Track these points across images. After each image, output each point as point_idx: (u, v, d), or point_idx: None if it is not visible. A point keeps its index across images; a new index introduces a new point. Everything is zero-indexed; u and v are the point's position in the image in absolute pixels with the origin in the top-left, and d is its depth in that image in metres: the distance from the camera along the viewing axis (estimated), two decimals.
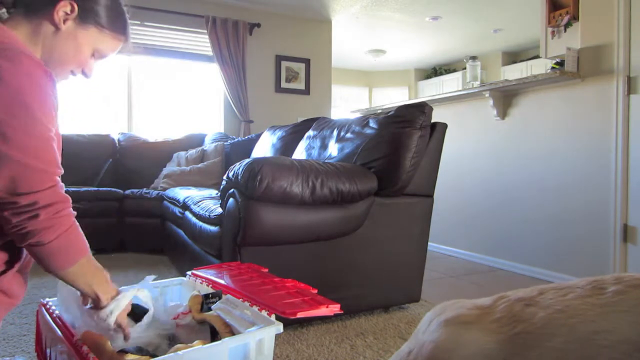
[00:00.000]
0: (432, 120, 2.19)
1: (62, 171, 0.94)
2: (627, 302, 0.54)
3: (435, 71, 8.39)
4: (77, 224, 0.96)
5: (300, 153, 2.71)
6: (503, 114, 3.27)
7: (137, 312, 1.14)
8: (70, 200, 0.94)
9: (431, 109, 2.15)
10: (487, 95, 3.24)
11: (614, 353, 0.52)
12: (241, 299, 1.19)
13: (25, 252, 0.99)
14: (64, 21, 1.01)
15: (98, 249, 3.37)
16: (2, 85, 0.83)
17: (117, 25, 1.10)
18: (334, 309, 1.04)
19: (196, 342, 1.04)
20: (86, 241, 0.99)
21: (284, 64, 5.29)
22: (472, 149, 3.55)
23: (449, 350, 0.59)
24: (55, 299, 1.18)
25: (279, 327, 1.06)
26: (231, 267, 1.55)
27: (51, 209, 0.88)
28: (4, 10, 1.01)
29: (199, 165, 3.99)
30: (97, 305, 1.03)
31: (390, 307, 2.23)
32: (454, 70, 8.05)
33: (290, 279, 1.30)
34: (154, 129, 4.83)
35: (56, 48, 1.03)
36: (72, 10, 1.01)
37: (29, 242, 0.88)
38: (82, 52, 1.07)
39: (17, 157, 0.84)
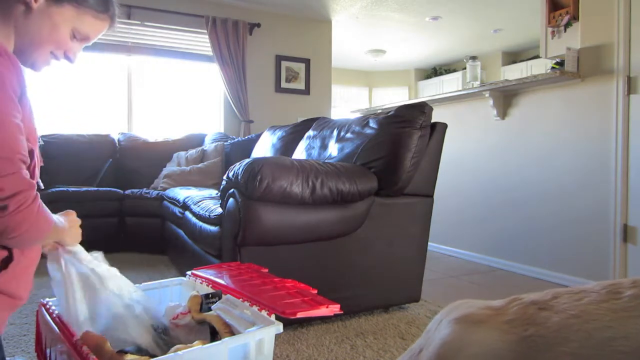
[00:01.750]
0: (432, 120, 2.19)
1: (27, 159, 0.89)
2: None
3: (435, 71, 8.39)
4: (41, 203, 0.90)
5: (300, 153, 2.71)
6: (503, 114, 3.27)
7: None
8: (35, 185, 0.89)
9: (431, 109, 2.15)
10: (487, 95, 3.23)
11: (630, 359, 0.51)
12: (241, 299, 1.19)
13: (24, 252, 0.98)
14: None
15: (98, 249, 3.37)
16: None
17: (97, 2, 1.02)
18: (334, 309, 1.04)
19: (196, 342, 1.04)
20: (50, 214, 0.95)
21: (284, 64, 5.29)
22: (472, 149, 3.55)
23: (457, 349, 0.58)
24: (55, 299, 1.18)
25: (279, 327, 1.06)
26: (231, 267, 1.55)
27: (18, 198, 0.84)
28: None
29: (199, 165, 3.99)
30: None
31: (390, 307, 2.23)
32: (454, 70, 8.05)
33: (290, 279, 1.30)
34: (154, 129, 4.82)
35: (29, 29, 0.96)
36: None
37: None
38: (59, 32, 0.99)
39: None
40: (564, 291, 0.60)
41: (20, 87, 0.89)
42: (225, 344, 0.99)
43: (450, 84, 7.84)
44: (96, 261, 1.15)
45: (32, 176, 0.93)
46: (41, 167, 1.08)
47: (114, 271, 1.17)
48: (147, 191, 3.69)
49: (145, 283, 1.45)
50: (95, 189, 3.57)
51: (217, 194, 2.72)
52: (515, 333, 0.56)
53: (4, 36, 0.95)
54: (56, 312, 1.12)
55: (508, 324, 0.57)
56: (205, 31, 4.76)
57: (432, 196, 2.28)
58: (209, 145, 4.23)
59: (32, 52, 0.99)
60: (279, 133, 3.21)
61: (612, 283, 0.58)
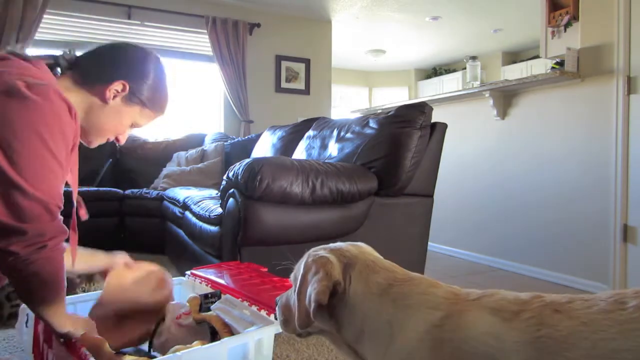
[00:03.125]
0: (432, 120, 2.19)
1: (62, 206, 0.95)
2: None
3: (435, 71, 8.39)
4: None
5: (300, 153, 2.71)
6: (503, 114, 3.27)
7: None
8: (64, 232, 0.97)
9: (431, 109, 2.15)
10: (487, 95, 3.23)
11: None
12: (240, 299, 1.19)
13: None
14: (114, 97, 1.07)
15: (98, 249, 3.37)
16: (23, 114, 0.85)
17: (159, 105, 1.20)
18: None
19: (195, 342, 1.04)
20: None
21: (284, 64, 5.29)
22: (472, 149, 3.55)
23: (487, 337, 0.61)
24: None
25: (279, 327, 1.06)
26: (231, 267, 1.55)
27: (56, 241, 0.92)
28: (58, 69, 1.07)
29: (199, 165, 3.99)
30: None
31: None
32: (454, 70, 8.05)
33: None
34: (153, 129, 4.82)
35: (100, 119, 1.09)
36: (123, 90, 1.08)
37: (27, 272, 0.89)
38: (123, 125, 1.14)
39: (21, 184, 0.85)
40: (578, 297, 0.62)
41: (72, 141, 0.97)
42: (225, 344, 0.99)
43: (450, 84, 7.83)
44: None
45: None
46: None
47: None
48: (147, 191, 3.69)
49: None
50: (95, 189, 3.57)
51: (217, 194, 2.72)
52: (529, 333, 0.58)
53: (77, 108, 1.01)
54: None
55: (525, 322, 0.59)
56: (205, 31, 4.75)
57: (432, 196, 2.28)
58: (209, 145, 4.23)
59: (95, 135, 1.12)
60: (279, 133, 3.21)
61: (618, 292, 0.60)
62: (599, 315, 0.57)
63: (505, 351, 0.58)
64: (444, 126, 2.26)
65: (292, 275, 0.80)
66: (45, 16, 4.02)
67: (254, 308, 1.13)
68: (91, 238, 1.41)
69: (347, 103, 8.54)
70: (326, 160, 2.26)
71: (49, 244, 0.89)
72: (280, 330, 1.06)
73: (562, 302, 0.61)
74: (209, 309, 1.22)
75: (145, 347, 1.27)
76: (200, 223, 2.27)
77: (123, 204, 3.60)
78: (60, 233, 0.93)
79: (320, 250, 0.76)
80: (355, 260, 0.75)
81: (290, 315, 0.78)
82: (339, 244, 0.81)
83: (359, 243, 0.85)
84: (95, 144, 1.15)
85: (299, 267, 0.76)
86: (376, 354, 0.69)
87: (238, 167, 1.87)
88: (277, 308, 0.85)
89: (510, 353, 0.58)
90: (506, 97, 3.25)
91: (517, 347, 0.58)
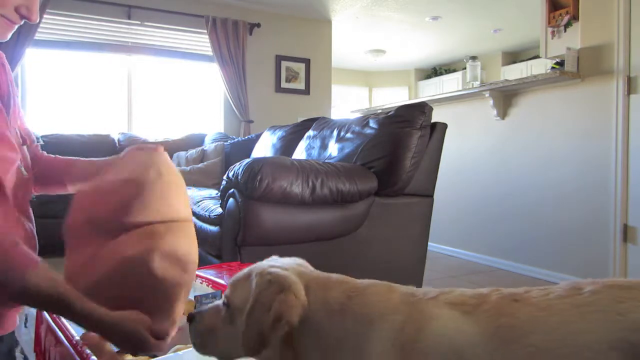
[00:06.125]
0: (432, 120, 2.19)
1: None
2: (602, 302, 0.56)
3: (435, 71, 8.39)
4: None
5: (300, 153, 2.71)
6: (503, 114, 3.27)
7: None
8: None
9: (431, 109, 2.15)
10: (487, 95, 3.23)
11: (588, 352, 0.54)
12: None
13: None
14: None
15: None
16: None
17: None
18: None
19: None
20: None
21: (284, 64, 5.29)
22: (472, 149, 3.55)
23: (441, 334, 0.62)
24: None
25: None
26: (231, 267, 1.55)
27: None
28: None
29: (199, 165, 3.99)
30: None
31: None
32: (454, 70, 8.05)
33: None
34: (154, 129, 4.82)
35: None
36: None
37: None
38: None
39: None
40: (536, 288, 0.64)
41: None
42: None
43: (450, 84, 7.83)
44: None
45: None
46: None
47: None
48: None
49: None
50: None
51: (217, 194, 2.72)
52: (490, 322, 0.59)
53: None
54: None
55: (485, 313, 0.61)
56: (205, 31, 4.75)
57: (432, 196, 2.28)
58: (209, 145, 4.23)
59: None
60: (279, 133, 3.21)
61: (574, 281, 0.62)
62: (556, 301, 0.59)
63: (468, 343, 0.59)
64: (444, 126, 2.26)
65: (225, 293, 0.73)
66: (45, 16, 4.02)
67: None
68: None
69: (347, 103, 8.54)
70: (326, 160, 2.26)
71: None
72: None
73: (520, 292, 0.63)
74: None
75: None
76: (200, 223, 2.27)
77: None
78: None
79: (271, 268, 0.71)
80: (308, 279, 0.71)
81: (214, 340, 0.72)
82: (278, 260, 0.76)
83: (294, 258, 0.80)
84: None
85: (245, 285, 0.70)
86: None
87: (238, 167, 1.87)
88: (191, 328, 0.77)
89: (473, 344, 0.59)
90: (506, 97, 3.25)
91: (479, 337, 0.59)
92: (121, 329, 0.81)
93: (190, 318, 0.78)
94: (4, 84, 0.92)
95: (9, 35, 0.89)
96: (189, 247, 0.95)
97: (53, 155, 1.13)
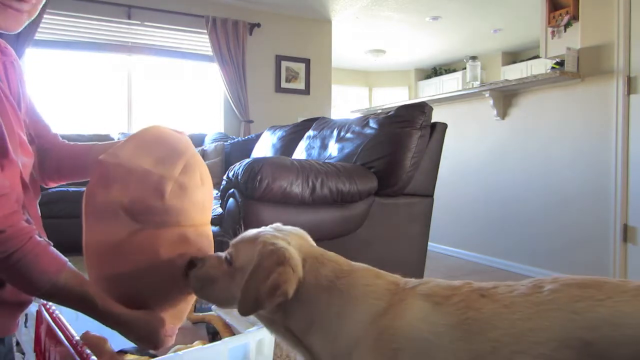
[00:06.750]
0: (432, 120, 2.19)
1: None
2: (560, 300, 0.59)
3: (435, 71, 8.39)
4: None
5: (300, 153, 2.71)
6: (503, 114, 3.27)
7: None
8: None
9: (431, 109, 2.15)
10: (487, 95, 3.23)
11: (543, 349, 0.57)
12: None
13: None
14: None
15: None
16: None
17: None
18: None
19: (196, 342, 1.04)
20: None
21: (284, 64, 5.29)
22: (472, 149, 3.55)
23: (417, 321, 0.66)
24: None
25: None
26: None
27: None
28: None
29: None
30: None
31: None
32: (454, 70, 8.05)
33: None
34: None
35: None
36: None
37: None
38: None
39: None
40: (503, 283, 0.67)
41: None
42: (226, 344, 0.99)
43: (450, 84, 7.83)
44: None
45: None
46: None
47: None
48: None
49: None
50: None
51: (217, 194, 2.72)
52: (457, 315, 0.63)
53: None
54: (56, 312, 1.12)
55: (455, 306, 0.64)
56: (205, 31, 4.75)
57: (432, 196, 2.28)
58: (209, 145, 4.23)
59: None
60: (279, 133, 3.21)
61: (538, 279, 0.66)
62: (519, 298, 0.62)
63: (436, 333, 0.63)
64: (444, 126, 2.26)
65: (231, 248, 0.78)
66: (45, 16, 4.02)
67: None
68: None
69: (347, 103, 8.54)
70: (326, 160, 2.26)
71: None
72: None
73: (488, 288, 0.66)
74: (209, 309, 1.23)
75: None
76: None
77: None
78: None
79: (276, 239, 0.75)
80: (307, 254, 0.76)
81: (212, 286, 0.78)
82: (283, 230, 0.82)
83: (296, 229, 0.86)
84: None
85: (250, 248, 0.74)
86: (324, 344, 0.71)
87: (238, 167, 1.87)
88: (191, 273, 0.81)
89: (441, 335, 0.62)
90: (506, 97, 3.25)
91: (446, 329, 0.63)
92: (139, 328, 0.85)
93: (191, 263, 0.82)
94: (13, 83, 0.92)
95: (22, 26, 0.88)
96: (210, 251, 0.97)
97: (71, 143, 1.12)
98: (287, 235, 0.80)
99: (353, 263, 0.79)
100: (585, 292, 0.58)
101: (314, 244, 0.84)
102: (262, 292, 0.70)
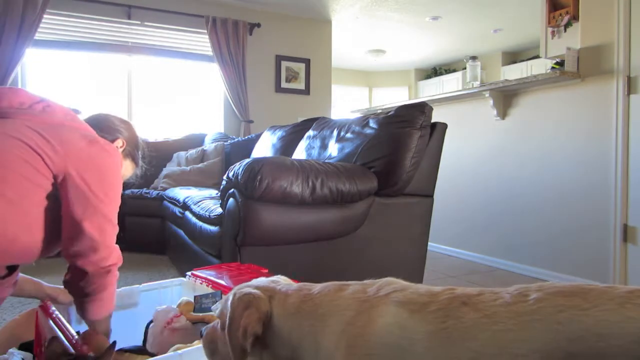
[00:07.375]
0: (432, 120, 2.19)
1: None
2: (544, 311, 0.56)
3: (435, 71, 8.39)
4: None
5: (300, 153, 2.71)
6: (503, 114, 3.27)
7: None
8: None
9: (431, 109, 2.15)
10: (487, 95, 3.23)
11: None
12: None
13: None
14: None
15: None
16: (107, 162, 1.19)
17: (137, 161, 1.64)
18: None
19: (196, 342, 1.04)
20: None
21: (284, 64, 5.29)
22: (472, 149, 3.55)
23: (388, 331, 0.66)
24: None
25: None
26: (231, 268, 1.55)
27: (115, 267, 1.17)
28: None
29: (199, 165, 3.99)
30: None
31: None
32: (454, 70, 8.05)
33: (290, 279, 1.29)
34: (154, 129, 4.82)
35: None
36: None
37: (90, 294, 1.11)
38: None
39: (106, 213, 1.14)
40: (488, 290, 0.65)
41: None
42: None
43: (450, 84, 7.83)
44: None
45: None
46: None
47: None
48: (147, 191, 3.69)
49: (145, 284, 1.45)
50: None
51: (217, 194, 2.72)
52: (435, 323, 0.61)
53: None
54: (56, 312, 1.12)
55: (433, 314, 0.63)
56: (205, 31, 4.75)
57: (432, 196, 2.28)
58: (209, 145, 4.23)
59: None
60: (279, 133, 3.21)
61: (523, 286, 0.63)
62: (501, 308, 0.59)
63: (410, 340, 0.61)
64: (444, 126, 2.26)
65: (217, 313, 0.86)
66: (45, 16, 4.02)
67: None
68: None
69: (347, 103, 8.54)
70: (326, 160, 2.26)
71: (112, 268, 1.15)
72: None
73: (471, 295, 0.64)
74: (209, 309, 1.22)
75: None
76: (201, 223, 2.27)
77: (123, 204, 3.59)
78: (120, 259, 1.19)
79: (244, 288, 0.82)
80: (274, 292, 0.80)
81: (217, 350, 0.85)
82: (258, 281, 0.87)
83: (277, 276, 0.91)
84: None
85: (226, 306, 0.80)
86: None
87: (238, 167, 1.87)
88: (203, 341, 0.89)
89: (415, 342, 0.61)
90: (506, 97, 3.25)
91: (421, 336, 0.61)
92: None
93: (201, 333, 0.92)
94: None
95: None
96: None
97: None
98: (256, 283, 0.85)
99: (316, 285, 0.81)
100: (570, 300, 0.56)
101: (287, 284, 0.88)
102: (240, 338, 0.74)
